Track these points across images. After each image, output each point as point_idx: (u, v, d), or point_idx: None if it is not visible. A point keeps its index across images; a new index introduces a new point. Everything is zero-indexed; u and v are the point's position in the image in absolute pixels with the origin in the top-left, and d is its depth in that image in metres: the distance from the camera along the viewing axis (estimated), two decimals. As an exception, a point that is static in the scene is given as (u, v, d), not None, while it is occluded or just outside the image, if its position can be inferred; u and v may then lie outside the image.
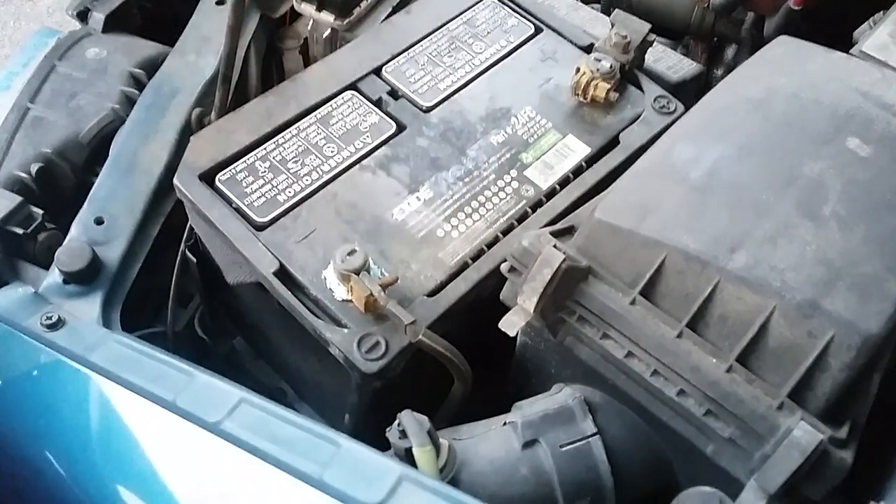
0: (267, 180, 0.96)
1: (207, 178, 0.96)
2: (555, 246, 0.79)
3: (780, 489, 0.68)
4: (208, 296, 1.14)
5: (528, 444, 0.81)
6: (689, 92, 1.30)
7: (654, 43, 1.17)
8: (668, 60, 1.29)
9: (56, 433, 0.79)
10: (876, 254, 0.76)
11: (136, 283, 1.02)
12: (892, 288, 0.73)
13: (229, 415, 0.76)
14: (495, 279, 0.88)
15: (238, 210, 0.94)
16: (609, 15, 1.46)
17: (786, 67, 0.93)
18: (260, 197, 0.95)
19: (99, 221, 1.03)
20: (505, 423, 0.84)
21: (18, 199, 1.02)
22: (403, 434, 0.77)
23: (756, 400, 0.72)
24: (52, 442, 0.79)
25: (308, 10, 1.33)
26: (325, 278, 0.88)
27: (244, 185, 0.95)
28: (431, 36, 1.12)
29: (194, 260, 1.06)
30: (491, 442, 0.82)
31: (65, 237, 1.03)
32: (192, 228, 1.06)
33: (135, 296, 1.02)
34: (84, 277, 0.97)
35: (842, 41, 1.16)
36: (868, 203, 0.79)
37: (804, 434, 0.68)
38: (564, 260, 0.77)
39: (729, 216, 0.79)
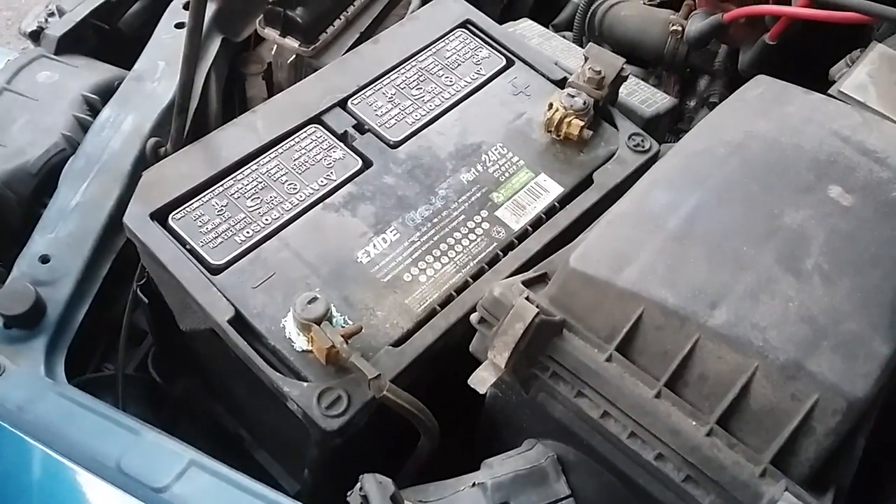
0: (224, 219, 0.91)
1: (160, 216, 0.90)
2: (528, 297, 0.75)
3: (763, 564, 0.64)
4: (161, 337, 1.09)
5: (499, 507, 0.76)
6: (662, 126, 1.28)
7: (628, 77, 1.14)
8: (641, 94, 1.26)
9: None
10: (860, 310, 0.73)
11: (83, 325, 0.96)
12: (878, 348, 0.71)
13: (178, 479, 0.70)
14: (464, 328, 0.84)
15: (192, 252, 0.88)
16: (581, 45, 1.44)
17: (764, 110, 0.91)
18: (216, 237, 0.89)
19: (44, 260, 0.98)
20: (474, 484, 0.79)
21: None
22: (365, 500, 0.72)
23: (738, 466, 0.68)
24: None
25: (272, 34, 1.29)
26: (283, 327, 0.84)
27: (199, 224, 0.90)
28: (400, 67, 1.07)
29: (146, 301, 1.00)
30: (459, 505, 0.77)
31: (8, 275, 0.98)
32: (143, 268, 1.01)
33: (82, 337, 0.96)
34: (27, 321, 0.91)
35: (816, 76, 1.14)
36: (851, 256, 0.77)
37: (789, 506, 0.64)
38: (538, 314, 0.73)
39: (708, 269, 0.76)
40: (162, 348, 1.11)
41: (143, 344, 1.17)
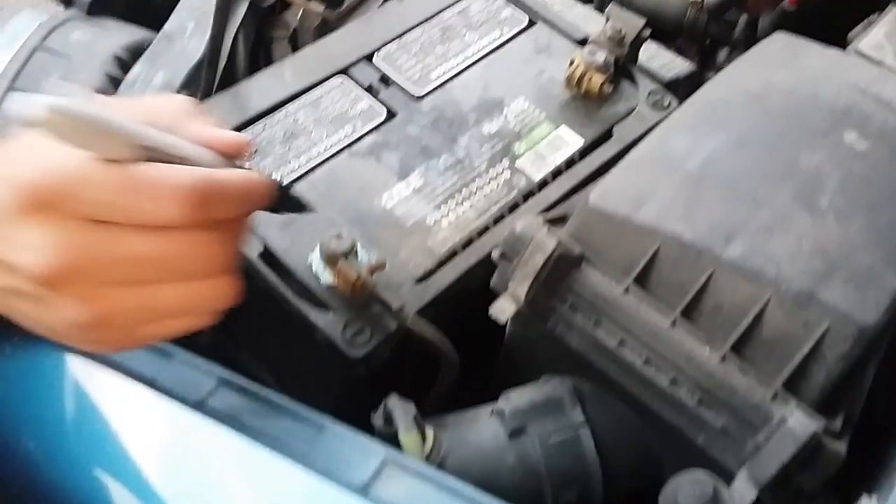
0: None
1: (192, 158, 0.93)
2: (548, 232, 0.78)
3: (772, 479, 0.66)
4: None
5: (516, 433, 0.79)
6: (681, 91, 1.29)
7: (648, 42, 1.17)
8: (661, 59, 1.28)
9: (30, 410, 0.77)
10: (873, 246, 0.75)
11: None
12: (889, 280, 0.73)
13: (209, 396, 0.73)
14: (484, 269, 0.86)
15: (223, 191, 0.91)
16: (603, 13, 1.46)
17: (783, 62, 0.93)
18: (246, 179, 0.92)
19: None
20: (492, 412, 0.82)
21: None
22: (389, 419, 0.75)
23: (750, 390, 0.70)
24: (25, 419, 0.76)
25: (298, -1, 1.32)
26: (310, 262, 0.86)
27: (230, 166, 0.93)
28: (424, 25, 1.10)
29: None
30: (477, 430, 0.80)
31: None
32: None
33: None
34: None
35: (835, 44, 1.16)
36: (865, 196, 0.79)
37: (798, 424, 0.66)
38: (557, 246, 0.76)
39: (725, 206, 0.78)
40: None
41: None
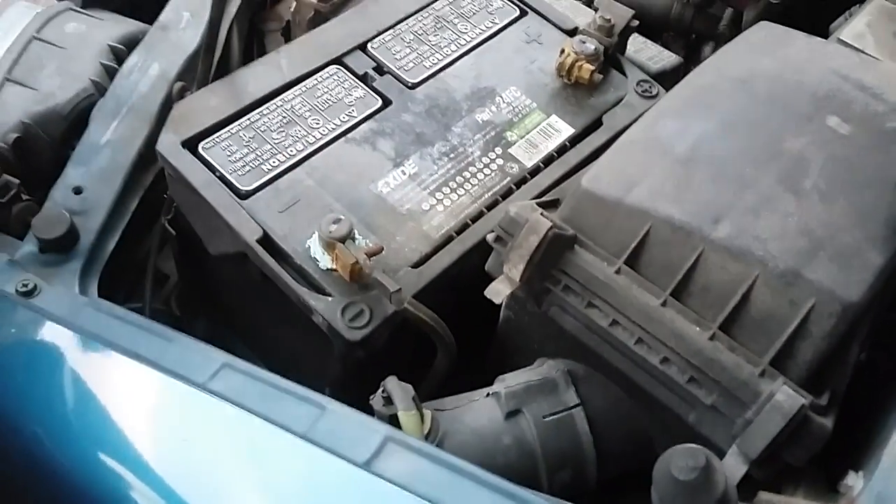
0: (251, 149, 0.95)
1: (190, 145, 0.95)
2: (542, 215, 0.80)
3: (761, 454, 0.68)
4: (186, 272, 1.13)
5: (512, 414, 0.81)
6: (668, 83, 1.31)
7: (635, 36, 1.19)
8: (648, 52, 1.31)
9: (35, 395, 0.78)
10: (856, 225, 0.77)
11: (113, 255, 1.00)
12: (872, 258, 0.75)
13: (212, 378, 0.75)
14: (479, 254, 0.88)
15: (221, 178, 0.93)
16: (591, 7, 1.48)
17: (768, 50, 0.95)
18: (244, 166, 0.94)
19: (77, 191, 1.02)
20: (488, 395, 0.84)
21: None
22: (388, 400, 0.77)
23: (738, 367, 0.72)
24: (30, 404, 0.77)
25: (292, -10, 1.33)
26: (309, 247, 0.88)
27: (228, 153, 0.95)
28: (417, 15, 1.12)
29: (174, 233, 1.04)
30: (474, 412, 0.82)
31: (41, 209, 1.02)
32: (171, 201, 1.05)
33: (112, 268, 1.00)
34: (61, 246, 0.95)
35: (818, 36, 1.19)
36: (848, 178, 0.81)
37: (786, 399, 0.69)
38: (551, 228, 0.77)
39: (713, 188, 0.80)
40: (186, 284, 1.15)
41: (165, 287, 1.22)
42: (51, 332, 0.81)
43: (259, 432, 0.69)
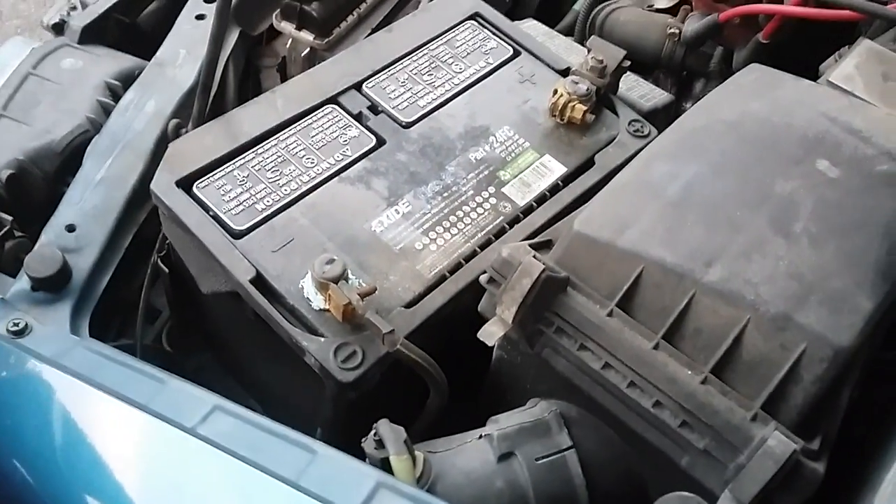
0: (245, 189, 0.96)
1: (185, 185, 0.95)
2: (534, 257, 0.80)
3: (754, 499, 0.68)
4: (178, 309, 1.13)
5: (504, 456, 0.80)
6: (660, 121, 1.32)
7: (627, 73, 1.20)
8: (640, 90, 1.32)
9: (23, 437, 0.77)
10: (846, 270, 0.78)
11: (105, 292, 1.00)
12: (862, 303, 0.75)
13: (203, 421, 0.74)
14: (472, 293, 0.88)
15: (215, 218, 0.93)
16: (584, 46, 1.50)
17: (758, 93, 0.96)
18: (238, 205, 0.94)
19: (70, 229, 1.02)
20: (480, 437, 0.83)
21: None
22: (380, 444, 0.76)
23: (730, 411, 0.72)
24: (18, 446, 0.77)
25: (288, 28, 1.34)
26: (302, 287, 0.88)
27: (222, 193, 0.95)
28: (412, 54, 1.13)
29: (166, 271, 1.04)
30: (466, 454, 0.81)
31: (33, 246, 1.02)
32: (164, 239, 1.05)
33: (104, 306, 1.00)
34: (53, 284, 0.95)
35: (807, 76, 1.20)
36: (838, 222, 0.82)
37: (778, 444, 0.69)
38: (544, 270, 0.78)
39: (705, 231, 0.81)
40: (178, 321, 1.15)
41: (156, 323, 1.21)
42: (41, 373, 0.81)
43: (249, 479, 0.68)
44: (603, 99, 1.11)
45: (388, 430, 0.76)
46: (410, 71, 1.11)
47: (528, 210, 1.00)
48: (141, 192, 1.06)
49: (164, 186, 0.95)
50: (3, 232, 1.01)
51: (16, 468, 0.76)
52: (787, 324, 0.74)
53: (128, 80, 1.25)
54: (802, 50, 1.32)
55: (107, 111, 1.19)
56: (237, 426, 0.74)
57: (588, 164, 1.05)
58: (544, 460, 0.80)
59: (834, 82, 1.06)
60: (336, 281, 0.84)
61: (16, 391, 0.80)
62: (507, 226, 0.98)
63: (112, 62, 1.28)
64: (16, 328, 0.88)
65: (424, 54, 1.13)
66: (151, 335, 1.19)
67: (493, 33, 1.18)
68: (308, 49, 1.36)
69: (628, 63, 1.15)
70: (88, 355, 0.85)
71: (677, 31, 1.43)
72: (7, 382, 0.81)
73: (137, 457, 0.74)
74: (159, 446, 0.73)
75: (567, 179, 1.03)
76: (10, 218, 1.02)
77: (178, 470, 0.73)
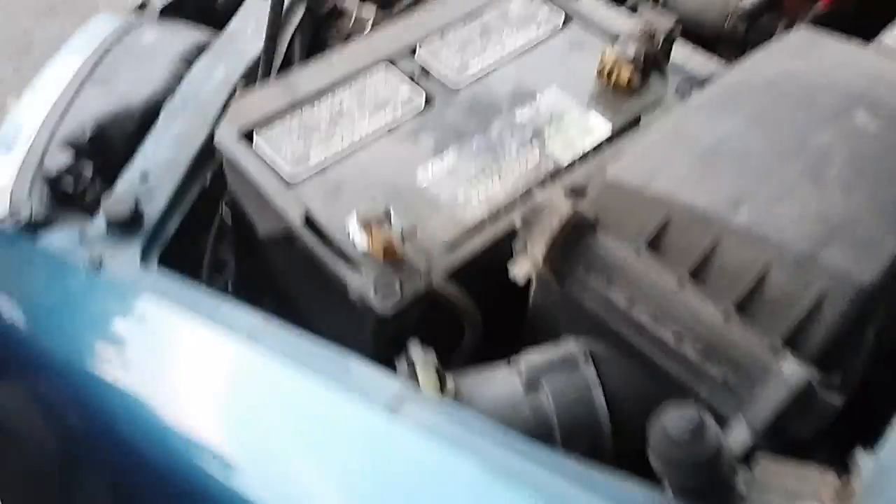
0: (301, 141, 1.02)
1: (246, 135, 1.02)
2: (566, 199, 0.83)
3: (766, 425, 0.70)
4: (242, 259, 1.20)
5: (531, 387, 0.84)
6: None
7: (684, 45, 1.21)
8: (696, 60, 1.33)
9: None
10: (875, 215, 0.78)
11: (173, 238, 1.08)
12: (888, 243, 0.76)
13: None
14: (510, 241, 0.92)
15: (272, 165, 1.00)
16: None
17: (802, 53, 0.97)
18: (293, 155, 1.01)
19: (143, 178, 1.10)
20: (509, 362, 0.87)
21: (72, 154, 1.10)
22: (411, 363, 0.81)
23: (751, 345, 0.74)
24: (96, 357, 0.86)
25: (351, 6, 1.41)
26: (348, 230, 0.93)
27: (279, 144, 1.02)
28: (465, 21, 1.17)
29: (231, 214, 1.11)
30: (495, 383, 0.85)
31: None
32: (230, 193, 1.12)
33: (170, 251, 1.08)
34: (126, 227, 1.03)
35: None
36: (871, 173, 0.82)
37: (792, 372, 0.70)
38: (572, 209, 0.81)
39: (735, 178, 0.83)
40: (241, 272, 1.22)
41: (224, 273, 1.29)
42: (117, 297, 0.89)
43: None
44: (653, 63, 1.13)
45: (417, 350, 0.81)
46: (463, 37, 1.16)
47: (570, 166, 1.03)
48: (208, 149, 1.14)
49: (227, 137, 1.02)
50: (86, 179, 1.10)
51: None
52: (810, 262, 0.75)
53: (201, 52, 1.33)
54: (865, 21, 1.31)
55: (181, 79, 1.28)
56: (287, 339, 0.82)
57: (634, 125, 1.07)
58: (570, 392, 0.83)
59: (887, 44, 1.05)
60: (379, 222, 0.89)
61: (94, 315, 0.88)
62: (548, 180, 1.01)
63: (187, 35, 1.37)
64: (93, 261, 0.97)
65: (477, 21, 1.18)
66: (217, 286, 1.26)
67: (545, 1, 1.21)
68: (369, 28, 1.42)
69: (679, 29, 1.16)
70: (160, 280, 0.93)
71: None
72: (90, 300, 0.89)
73: (217, 373, 0.83)
74: (239, 365, 0.82)
75: (611, 139, 1.06)
76: (92, 166, 1.12)
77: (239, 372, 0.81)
